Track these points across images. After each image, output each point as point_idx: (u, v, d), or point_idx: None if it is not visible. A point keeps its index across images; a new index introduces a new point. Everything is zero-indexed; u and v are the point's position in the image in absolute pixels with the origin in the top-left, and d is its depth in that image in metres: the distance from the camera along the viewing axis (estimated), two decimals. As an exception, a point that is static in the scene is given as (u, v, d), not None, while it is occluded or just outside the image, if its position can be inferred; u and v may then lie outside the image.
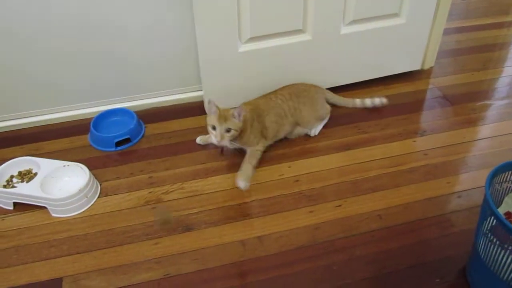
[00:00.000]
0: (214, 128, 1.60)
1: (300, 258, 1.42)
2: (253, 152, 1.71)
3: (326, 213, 1.56)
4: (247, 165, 1.67)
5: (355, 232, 1.49)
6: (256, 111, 1.74)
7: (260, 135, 1.73)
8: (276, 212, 1.57)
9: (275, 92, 1.84)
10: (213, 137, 1.63)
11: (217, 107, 1.59)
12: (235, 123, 1.60)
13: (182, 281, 1.37)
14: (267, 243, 1.47)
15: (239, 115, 1.60)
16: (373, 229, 1.50)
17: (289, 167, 1.74)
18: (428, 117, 1.99)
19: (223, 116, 1.58)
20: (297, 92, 1.84)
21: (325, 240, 1.47)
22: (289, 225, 1.52)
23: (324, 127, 1.91)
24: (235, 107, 1.60)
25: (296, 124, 1.83)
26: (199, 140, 1.86)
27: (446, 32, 2.29)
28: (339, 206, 1.58)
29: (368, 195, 1.62)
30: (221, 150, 1.80)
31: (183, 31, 1.86)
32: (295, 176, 1.70)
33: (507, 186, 1.30)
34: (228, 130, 1.59)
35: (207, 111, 1.60)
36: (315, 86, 1.93)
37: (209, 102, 1.58)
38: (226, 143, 1.63)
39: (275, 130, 1.78)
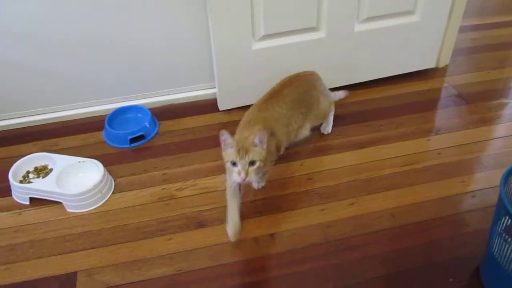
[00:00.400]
0: (234, 164, 1.35)
1: (312, 256, 1.42)
2: (266, 170, 1.56)
3: (338, 212, 1.55)
4: (260, 179, 1.62)
5: (368, 231, 1.49)
6: (267, 128, 1.51)
7: (275, 151, 1.54)
8: (288, 209, 1.57)
9: (276, 98, 1.60)
10: (236, 176, 1.35)
11: (233, 138, 1.37)
12: (259, 152, 1.36)
13: (195, 276, 1.38)
14: (279, 240, 1.47)
15: (262, 142, 1.36)
16: (385, 227, 1.50)
17: (301, 165, 1.74)
18: (443, 115, 1.97)
19: (243, 147, 1.33)
20: (299, 97, 1.64)
21: (337, 238, 1.47)
22: (301, 223, 1.52)
23: (337, 125, 1.90)
24: (244, 129, 1.46)
25: (302, 127, 1.69)
26: (233, 237, 1.47)
27: (461, 30, 2.26)
28: (352, 204, 1.58)
29: (381, 193, 1.62)
30: (239, 186, 1.52)
31: (197, 28, 1.87)
32: (307, 174, 1.70)
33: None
34: (253, 163, 1.35)
35: (221, 144, 1.36)
36: (313, 80, 1.74)
37: (222, 134, 1.35)
38: (252, 178, 1.41)
39: (286, 141, 1.62)
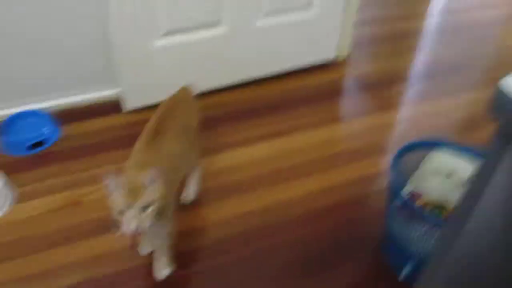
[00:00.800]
0: (122, 213, 1.07)
1: (224, 249, 1.44)
2: (167, 231, 1.31)
3: (250, 203, 1.59)
4: (164, 256, 1.37)
5: (276, 220, 1.54)
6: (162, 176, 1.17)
7: (172, 205, 1.29)
8: (199, 205, 1.58)
9: (163, 135, 1.29)
10: (125, 227, 1.07)
11: (118, 181, 1.08)
12: (151, 193, 1.09)
13: (106, 281, 1.35)
14: (189, 237, 1.48)
15: (155, 180, 1.10)
16: (293, 215, 1.55)
17: (209, 161, 1.75)
18: (345, 104, 2.07)
19: (131, 191, 1.07)
20: (185, 128, 1.37)
21: (250, 228, 1.50)
22: (213, 217, 1.54)
23: (240, 121, 1.94)
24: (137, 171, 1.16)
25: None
26: (143, 251, 1.43)
27: (361, 22, 2.38)
28: (260, 196, 1.61)
29: (291, 183, 1.67)
30: (131, 245, 1.33)
31: (97, 23, 1.80)
32: (216, 169, 1.72)
33: (412, 167, 1.38)
34: (146, 207, 1.09)
35: (107, 189, 1.09)
36: (193, 105, 1.46)
37: (105, 177, 1.08)
38: (146, 227, 1.10)
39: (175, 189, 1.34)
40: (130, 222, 1.07)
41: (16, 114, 1.85)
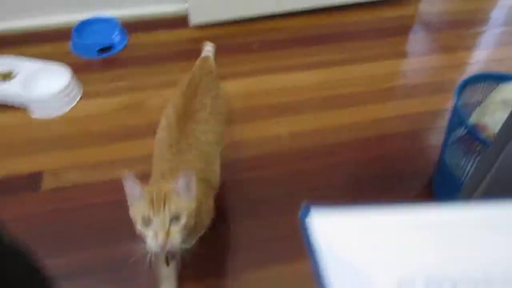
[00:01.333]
0: (148, 222, 0.86)
1: (275, 162, 1.47)
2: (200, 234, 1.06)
3: (302, 124, 1.59)
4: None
5: (329, 142, 1.54)
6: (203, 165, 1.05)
7: (213, 208, 1.08)
8: (253, 120, 1.60)
9: (192, 122, 1.10)
10: (151, 241, 0.85)
11: (143, 187, 0.89)
12: (184, 201, 0.89)
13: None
14: (246, 147, 1.51)
15: (188, 186, 0.89)
16: (346, 140, 1.55)
17: (269, 80, 1.75)
18: (412, 41, 1.99)
19: (158, 196, 0.87)
20: (214, 106, 1.17)
21: (299, 148, 1.51)
22: (266, 133, 1.56)
23: (307, 45, 1.91)
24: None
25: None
26: None
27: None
28: (315, 118, 1.61)
29: (345, 109, 1.65)
30: (167, 258, 1.04)
31: None
32: (273, 89, 1.72)
33: (476, 100, 1.33)
34: (177, 218, 0.87)
35: (128, 195, 0.90)
36: (213, 76, 1.27)
37: (125, 178, 0.88)
38: (177, 243, 0.87)
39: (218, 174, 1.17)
40: (159, 236, 0.85)
41: (89, 19, 1.92)
